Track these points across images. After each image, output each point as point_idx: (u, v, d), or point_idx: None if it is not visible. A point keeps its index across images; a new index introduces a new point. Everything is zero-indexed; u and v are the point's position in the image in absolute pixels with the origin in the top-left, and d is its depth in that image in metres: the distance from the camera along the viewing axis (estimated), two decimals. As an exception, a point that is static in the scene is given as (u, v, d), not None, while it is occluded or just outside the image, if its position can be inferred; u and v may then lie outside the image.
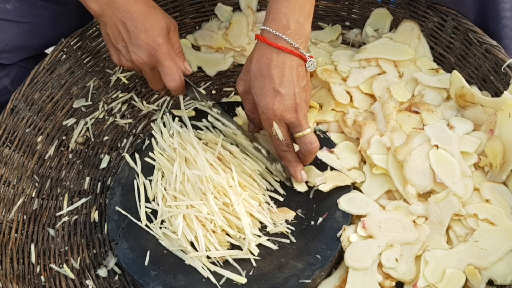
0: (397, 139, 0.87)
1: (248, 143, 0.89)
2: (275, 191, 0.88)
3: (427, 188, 0.82)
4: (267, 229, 0.84)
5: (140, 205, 0.88)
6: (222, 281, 0.79)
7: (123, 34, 0.88)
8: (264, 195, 0.88)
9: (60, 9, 1.04)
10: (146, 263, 0.83)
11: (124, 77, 1.11)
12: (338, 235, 0.82)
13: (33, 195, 0.98)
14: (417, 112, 0.91)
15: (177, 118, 0.98)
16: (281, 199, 0.88)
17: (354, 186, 0.88)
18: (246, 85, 0.83)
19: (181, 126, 0.96)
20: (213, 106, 0.92)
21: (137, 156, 0.95)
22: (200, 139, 0.94)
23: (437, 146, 0.83)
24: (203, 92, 1.09)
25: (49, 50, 1.07)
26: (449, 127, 0.86)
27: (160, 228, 0.85)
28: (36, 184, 0.99)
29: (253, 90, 0.81)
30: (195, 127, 0.97)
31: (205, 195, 0.83)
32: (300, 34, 0.79)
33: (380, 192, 0.86)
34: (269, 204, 0.87)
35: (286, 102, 0.79)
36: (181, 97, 0.97)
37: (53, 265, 0.91)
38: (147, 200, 0.89)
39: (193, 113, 0.99)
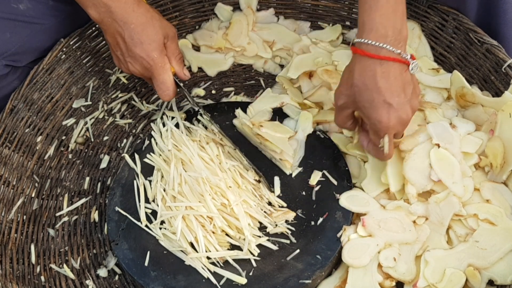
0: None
1: (235, 154, 0.92)
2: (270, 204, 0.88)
3: (426, 187, 0.82)
4: (267, 230, 0.84)
5: (140, 206, 0.88)
6: (222, 282, 0.79)
7: (120, 44, 0.89)
8: (264, 196, 0.88)
9: (71, 9, 1.03)
10: (146, 264, 0.83)
11: (124, 77, 1.11)
12: (338, 235, 0.82)
13: (33, 195, 0.98)
14: (421, 110, 0.90)
15: (174, 119, 0.98)
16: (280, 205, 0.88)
17: (355, 185, 0.88)
18: (349, 99, 0.80)
19: (177, 127, 0.96)
20: (204, 113, 0.95)
21: (136, 156, 0.95)
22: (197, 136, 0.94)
23: (438, 145, 0.83)
24: (203, 94, 1.11)
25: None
26: (451, 126, 0.86)
27: (160, 228, 0.85)
28: (36, 184, 0.99)
29: (360, 104, 0.78)
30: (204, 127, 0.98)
31: (202, 196, 0.83)
32: (399, 39, 0.76)
33: (380, 189, 0.86)
34: (269, 204, 0.87)
35: (398, 114, 0.77)
36: (174, 98, 0.98)
37: (53, 265, 0.91)
38: (147, 200, 0.89)
39: (184, 116, 0.99)
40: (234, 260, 0.82)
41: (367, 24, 0.75)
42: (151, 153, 0.94)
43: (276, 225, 0.85)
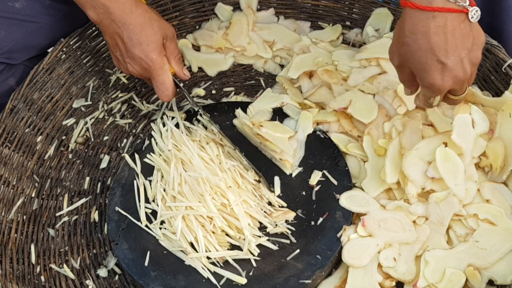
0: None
1: (235, 154, 0.92)
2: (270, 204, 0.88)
3: (425, 184, 0.82)
4: (267, 230, 0.84)
5: (140, 206, 0.88)
6: (222, 282, 0.79)
7: (119, 45, 0.89)
8: (264, 196, 0.88)
9: (68, 8, 1.04)
10: (146, 264, 0.83)
11: (124, 77, 1.11)
12: (338, 235, 0.82)
13: (33, 195, 0.98)
14: (422, 108, 0.90)
15: (174, 119, 0.98)
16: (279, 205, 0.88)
17: (355, 185, 0.88)
18: (402, 58, 0.73)
19: (177, 127, 0.96)
20: (204, 113, 0.95)
21: (136, 156, 0.95)
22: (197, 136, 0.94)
23: (445, 144, 0.82)
24: (203, 94, 1.11)
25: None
26: (472, 122, 0.83)
27: (160, 228, 0.85)
28: (36, 184, 0.99)
29: (412, 66, 0.72)
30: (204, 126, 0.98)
31: (202, 196, 0.83)
32: None
33: (380, 189, 0.86)
34: (269, 204, 0.87)
35: (454, 74, 0.69)
36: (174, 98, 0.98)
37: (53, 265, 0.91)
38: (147, 200, 0.89)
39: (184, 116, 0.99)
40: (234, 260, 0.82)
41: None
42: (151, 153, 0.94)
43: (276, 225, 0.85)
